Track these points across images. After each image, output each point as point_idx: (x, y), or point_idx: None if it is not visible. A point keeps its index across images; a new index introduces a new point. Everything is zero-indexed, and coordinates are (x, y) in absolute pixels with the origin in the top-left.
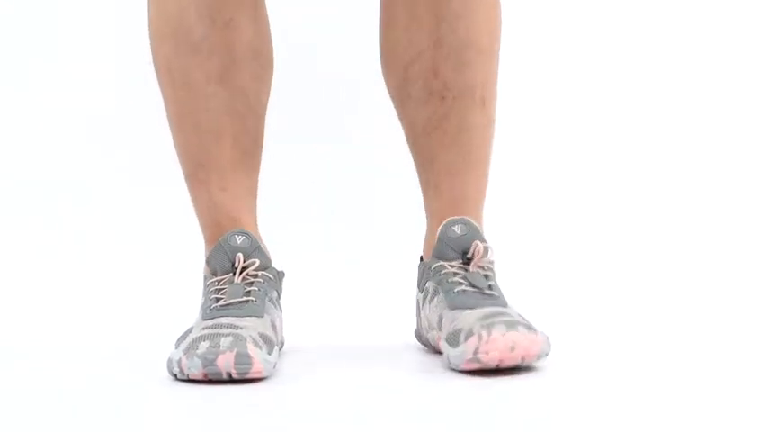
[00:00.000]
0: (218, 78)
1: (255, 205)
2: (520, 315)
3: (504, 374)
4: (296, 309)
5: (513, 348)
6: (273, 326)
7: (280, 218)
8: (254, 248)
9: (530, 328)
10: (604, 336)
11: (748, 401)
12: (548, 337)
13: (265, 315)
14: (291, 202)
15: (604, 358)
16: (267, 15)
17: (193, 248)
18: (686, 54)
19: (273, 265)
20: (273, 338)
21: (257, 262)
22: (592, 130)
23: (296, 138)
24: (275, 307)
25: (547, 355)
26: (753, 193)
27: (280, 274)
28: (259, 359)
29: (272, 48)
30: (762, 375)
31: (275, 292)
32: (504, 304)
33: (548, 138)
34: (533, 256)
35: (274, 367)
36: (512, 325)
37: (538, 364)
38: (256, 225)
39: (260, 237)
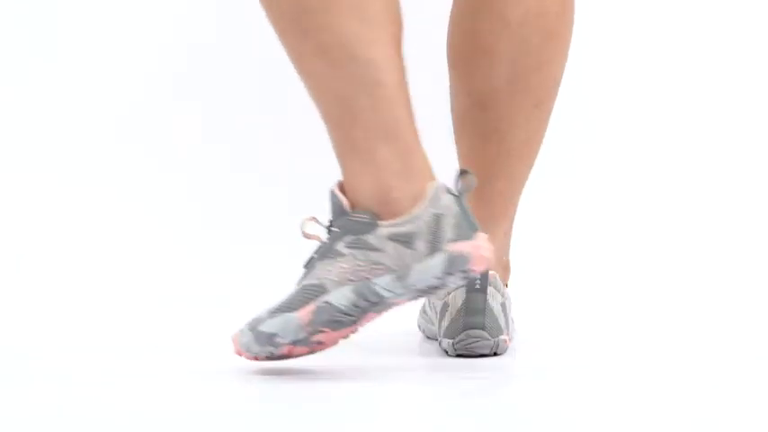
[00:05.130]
0: None
1: None
2: None
3: (500, 360)
4: None
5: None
6: None
7: (286, 208)
8: None
9: None
10: (603, 337)
11: (748, 405)
12: None
13: None
14: (298, 193)
15: (603, 359)
16: None
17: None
18: (687, 60)
19: None
20: None
21: None
22: (588, 134)
23: (308, 136)
24: None
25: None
26: (754, 199)
27: None
28: None
29: None
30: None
31: None
32: None
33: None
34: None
35: None
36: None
37: (537, 362)
38: None
39: None
